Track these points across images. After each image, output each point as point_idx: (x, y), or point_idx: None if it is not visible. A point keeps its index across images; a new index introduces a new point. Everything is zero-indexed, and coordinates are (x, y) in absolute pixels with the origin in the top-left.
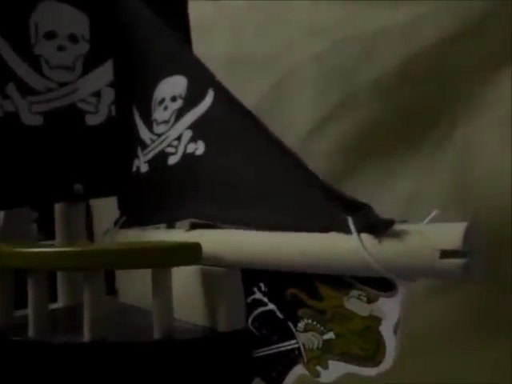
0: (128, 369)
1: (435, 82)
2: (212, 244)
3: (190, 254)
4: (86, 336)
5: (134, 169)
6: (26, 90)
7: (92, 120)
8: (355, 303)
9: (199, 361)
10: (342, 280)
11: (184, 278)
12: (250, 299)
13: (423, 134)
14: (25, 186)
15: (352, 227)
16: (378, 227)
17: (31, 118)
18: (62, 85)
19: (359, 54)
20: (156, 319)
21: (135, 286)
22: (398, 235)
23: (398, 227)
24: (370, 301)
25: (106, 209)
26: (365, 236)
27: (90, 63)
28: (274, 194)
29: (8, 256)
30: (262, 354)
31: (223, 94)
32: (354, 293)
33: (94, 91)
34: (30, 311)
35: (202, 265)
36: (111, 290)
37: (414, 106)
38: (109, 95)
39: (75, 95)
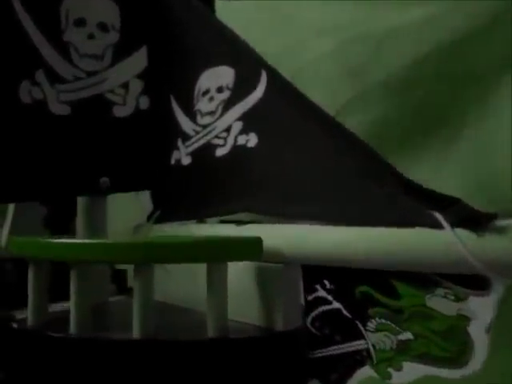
0: (182, 368)
1: (446, 82)
2: (269, 239)
3: (251, 248)
4: (136, 333)
5: (173, 161)
6: (54, 77)
7: (120, 112)
8: (439, 302)
9: (254, 361)
10: (424, 277)
11: (236, 275)
12: (310, 297)
13: (433, 133)
14: (48, 177)
15: (444, 222)
16: (478, 221)
17: (59, 107)
18: (91, 74)
19: (369, 54)
20: (210, 317)
21: (163, 283)
22: (497, 230)
23: (497, 222)
24: (457, 299)
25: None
26: (458, 231)
27: (120, 53)
28: (343, 187)
29: (50, 247)
30: (321, 354)
31: (277, 82)
32: (439, 291)
33: (123, 82)
34: (72, 306)
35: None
36: (123, 289)
37: (425, 105)
38: (137, 87)
39: (103, 85)
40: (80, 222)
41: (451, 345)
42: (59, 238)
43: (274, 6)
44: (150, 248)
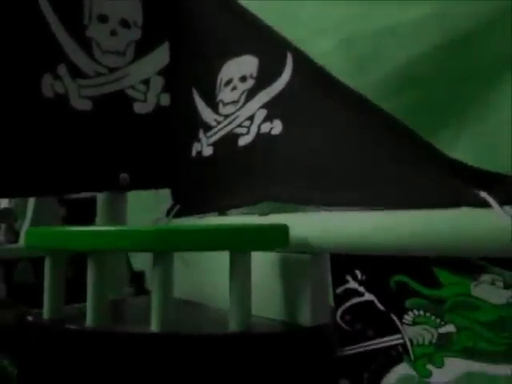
0: (202, 364)
1: (445, 81)
2: (295, 227)
3: (277, 236)
4: (155, 326)
5: (194, 153)
6: (76, 72)
7: (140, 108)
8: (487, 289)
9: (278, 358)
10: (469, 263)
11: (260, 266)
12: (340, 289)
13: (431, 134)
14: (68, 172)
15: (491, 200)
16: None
17: (80, 102)
18: (112, 70)
19: (367, 53)
20: (233, 310)
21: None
22: None
23: None
24: (508, 286)
25: None
26: (508, 209)
27: (141, 49)
28: (379, 170)
29: (67, 236)
30: (352, 351)
31: (303, 65)
32: (486, 277)
33: (144, 79)
34: (89, 298)
35: (283, 251)
36: (141, 290)
37: (423, 105)
38: (158, 84)
39: (125, 81)
40: (100, 218)
41: (501, 337)
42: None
43: (276, 6)
44: (171, 234)
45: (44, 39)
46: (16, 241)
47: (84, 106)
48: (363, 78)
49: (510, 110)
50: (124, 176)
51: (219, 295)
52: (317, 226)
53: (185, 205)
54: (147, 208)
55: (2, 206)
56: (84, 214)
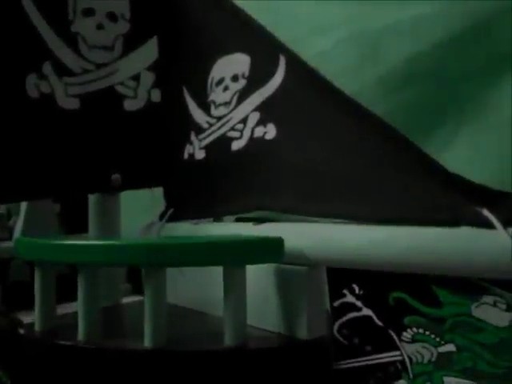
0: (197, 379)
1: (442, 80)
2: (291, 239)
3: (271, 249)
4: (148, 342)
5: (186, 156)
6: (62, 70)
7: (131, 105)
8: (488, 311)
9: (274, 373)
10: (470, 283)
11: (255, 278)
12: (337, 303)
13: (429, 132)
14: (58, 174)
15: (494, 220)
16: None
17: (67, 101)
18: (100, 66)
19: (365, 52)
20: (227, 324)
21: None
22: None
23: None
24: (510, 308)
25: None
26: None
27: (130, 44)
28: (377, 182)
29: (55, 249)
30: (350, 366)
31: (296, 68)
32: (488, 299)
33: (134, 74)
34: (80, 312)
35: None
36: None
37: (420, 104)
38: (148, 79)
39: (113, 78)
40: (92, 220)
41: (501, 360)
42: (67, 239)
43: (273, 5)
44: (162, 250)
45: (26, 36)
46: (10, 238)
47: (71, 104)
48: (362, 76)
49: (509, 108)
50: (116, 176)
51: (217, 303)
52: (314, 237)
53: (178, 209)
54: (145, 208)
55: None
56: (79, 210)
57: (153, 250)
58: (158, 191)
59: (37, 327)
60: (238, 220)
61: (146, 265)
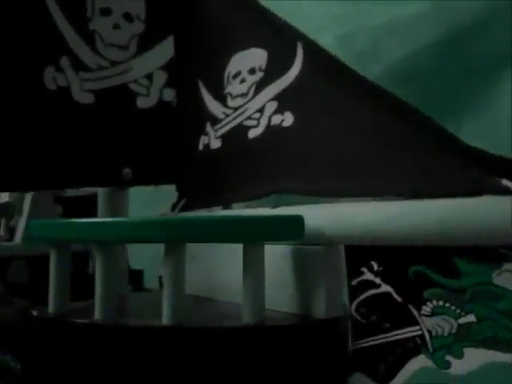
0: (215, 358)
1: (441, 78)
2: (308, 219)
3: (293, 227)
4: (166, 319)
5: (201, 147)
6: (78, 65)
7: (143, 103)
8: (509, 278)
9: (292, 351)
10: (490, 251)
11: (272, 258)
12: (355, 281)
13: None
14: (69, 166)
15: None
16: None
17: (82, 95)
18: (115, 63)
19: (365, 49)
20: (246, 302)
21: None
22: None
23: None
24: None
25: None
26: None
27: (145, 44)
28: (394, 159)
29: (75, 227)
30: (368, 344)
31: (314, 55)
32: (509, 266)
33: (147, 73)
34: (97, 290)
35: (296, 243)
36: (139, 289)
37: (419, 102)
38: (161, 79)
39: (127, 75)
40: (101, 214)
41: None
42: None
43: (271, 4)
44: (184, 224)
45: (47, 31)
46: (10, 239)
47: (86, 99)
48: (361, 73)
49: (509, 107)
50: (127, 171)
51: (229, 289)
52: (330, 217)
53: (191, 198)
54: (149, 203)
55: (2, 200)
56: (81, 212)
57: (173, 225)
58: (164, 188)
59: (50, 309)
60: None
61: (166, 240)
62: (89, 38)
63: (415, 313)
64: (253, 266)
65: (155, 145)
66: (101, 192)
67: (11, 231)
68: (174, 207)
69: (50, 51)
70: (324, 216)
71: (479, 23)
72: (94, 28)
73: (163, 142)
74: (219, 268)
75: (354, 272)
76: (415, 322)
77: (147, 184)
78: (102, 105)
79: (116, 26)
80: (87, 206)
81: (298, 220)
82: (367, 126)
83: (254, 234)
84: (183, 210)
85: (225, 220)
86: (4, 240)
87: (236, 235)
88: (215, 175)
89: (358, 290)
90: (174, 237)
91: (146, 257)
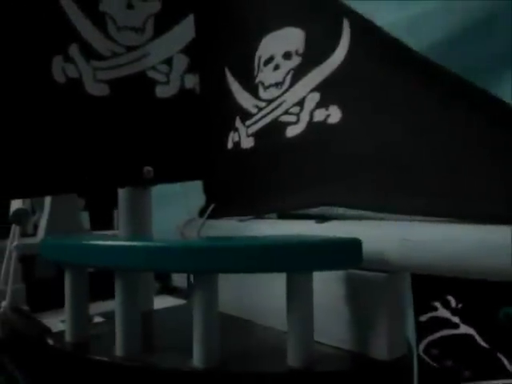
0: None
1: None
2: (367, 240)
3: (346, 253)
4: (198, 360)
5: (231, 145)
6: (90, 52)
7: (163, 92)
8: None
9: None
10: None
11: (323, 285)
12: (425, 317)
13: None
14: (85, 167)
15: None
16: None
17: (96, 86)
18: (130, 49)
19: None
20: (291, 340)
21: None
22: None
23: None
24: None
25: None
26: None
27: (162, 24)
28: (470, 172)
29: (90, 251)
30: None
31: (364, 35)
32: None
33: (166, 58)
34: (118, 322)
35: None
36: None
37: None
38: (181, 63)
39: (145, 62)
40: (122, 216)
41: None
42: (100, 238)
43: None
44: (215, 254)
45: (52, 16)
46: (34, 233)
47: (100, 91)
48: None
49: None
50: (148, 169)
51: (271, 312)
52: (394, 237)
53: (221, 204)
54: (175, 203)
55: (16, 207)
56: (105, 205)
57: (204, 254)
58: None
59: (68, 338)
60: (281, 217)
61: (196, 271)
62: (100, 22)
63: (506, 363)
64: (299, 299)
65: (177, 139)
66: (121, 192)
67: (35, 226)
68: (202, 212)
69: (57, 39)
70: (386, 236)
71: (478, 24)
72: (104, 9)
73: (186, 135)
74: (259, 287)
75: (423, 306)
76: (507, 375)
77: (170, 182)
78: (117, 96)
79: (129, 6)
80: (110, 198)
81: (355, 245)
82: (436, 126)
83: (299, 264)
84: (213, 216)
85: (265, 247)
86: (27, 236)
87: (278, 265)
88: (249, 180)
89: (428, 328)
90: (205, 268)
91: None
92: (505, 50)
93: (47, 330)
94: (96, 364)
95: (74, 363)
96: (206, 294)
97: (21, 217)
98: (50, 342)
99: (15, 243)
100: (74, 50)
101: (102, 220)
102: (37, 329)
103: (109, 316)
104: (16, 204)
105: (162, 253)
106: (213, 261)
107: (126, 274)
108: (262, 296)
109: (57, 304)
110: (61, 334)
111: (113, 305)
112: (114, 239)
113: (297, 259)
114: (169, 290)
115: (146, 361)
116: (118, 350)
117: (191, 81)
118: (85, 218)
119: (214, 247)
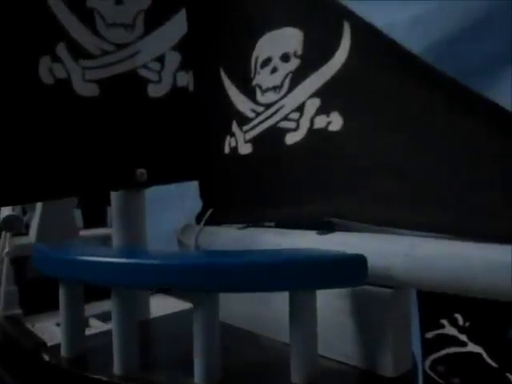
0: None
1: None
2: (371, 254)
3: (352, 270)
4: (199, 377)
5: (228, 150)
6: (78, 51)
7: (155, 91)
8: None
9: None
10: None
11: (326, 299)
12: (431, 334)
13: None
14: (76, 170)
15: None
16: None
17: (85, 86)
18: (120, 47)
19: None
20: (294, 357)
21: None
22: None
23: None
24: None
25: None
26: None
27: (153, 20)
28: (479, 183)
29: (86, 268)
30: None
31: (366, 37)
32: None
33: (158, 55)
34: (115, 339)
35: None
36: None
37: None
38: (173, 61)
39: (136, 60)
40: (115, 220)
41: None
42: (95, 252)
43: None
44: (216, 272)
45: (37, 14)
46: (26, 232)
47: (90, 91)
48: None
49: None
50: (141, 171)
51: (274, 323)
52: (400, 252)
53: (219, 210)
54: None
55: (7, 214)
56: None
57: (205, 273)
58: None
59: (63, 352)
60: (279, 225)
61: (195, 290)
62: (88, 18)
63: None
64: (302, 317)
65: (171, 139)
66: (114, 194)
67: (26, 226)
68: (199, 218)
69: (44, 38)
70: (392, 250)
71: (476, 24)
72: (92, 5)
73: (181, 134)
74: (267, 300)
75: (430, 323)
76: None
77: (164, 183)
78: (108, 96)
79: (118, 2)
80: (103, 196)
81: (360, 262)
82: (442, 134)
83: (305, 283)
84: (211, 222)
85: (267, 266)
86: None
87: (282, 284)
88: (247, 187)
89: (434, 345)
90: (206, 287)
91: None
92: (503, 49)
93: (42, 344)
94: (93, 383)
95: (70, 381)
96: (206, 312)
97: (12, 223)
98: (46, 357)
99: (6, 250)
100: (61, 49)
101: (95, 217)
102: (31, 341)
103: (105, 318)
104: (6, 210)
105: (161, 271)
106: (212, 281)
107: (122, 291)
108: (266, 306)
109: (50, 306)
110: (56, 347)
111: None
112: (111, 253)
113: (300, 278)
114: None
115: (146, 380)
116: (116, 368)
117: (184, 79)
118: (77, 215)
119: (213, 266)
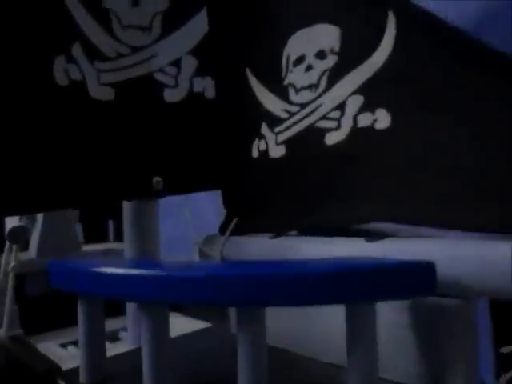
0: None
1: None
2: (436, 260)
3: (420, 280)
4: None
5: (256, 154)
6: (93, 53)
7: (172, 96)
8: None
9: None
10: None
11: (385, 314)
12: (507, 349)
13: None
14: (89, 179)
15: None
16: None
17: (100, 90)
18: (136, 49)
19: None
20: (353, 380)
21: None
22: None
23: None
24: None
25: None
26: None
27: (170, 23)
28: None
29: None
30: None
31: (413, 27)
32: None
33: (174, 59)
34: (145, 364)
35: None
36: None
37: None
38: (190, 65)
39: (152, 63)
40: (127, 231)
41: None
42: (113, 265)
43: None
44: (263, 284)
45: (53, 13)
46: (26, 247)
47: (105, 95)
48: None
49: None
50: (157, 180)
51: (327, 347)
52: (468, 259)
53: (246, 219)
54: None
55: (12, 224)
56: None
57: (250, 285)
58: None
59: (82, 379)
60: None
61: (239, 304)
62: (104, 20)
63: None
64: (361, 333)
65: (189, 146)
66: (127, 205)
67: (25, 241)
68: (223, 229)
69: (59, 37)
70: (457, 258)
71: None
72: (108, 6)
73: (200, 141)
74: (312, 319)
75: (505, 337)
76: None
77: (181, 193)
78: (123, 101)
79: (135, 3)
80: (105, 210)
81: (428, 270)
82: (501, 131)
83: (364, 295)
84: (238, 232)
85: (320, 276)
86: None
87: (336, 297)
88: (279, 192)
89: (510, 362)
90: (252, 301)
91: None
92: (503, 49)
93: (56, 368)
94: None
95: None
96: (252, 330)
97: (19, 235)
98: (62, 383)
99: (12, 264)
100: (76, 49)
101: (96, 231)
102: (43, 365)
103: (113, 338)
104: (12, 221)
105: (197, 285)
106: (258, 293)
107: (155, 308)
108: (317, 325)
109: (51, 325)
110: (73, 372)
111: None
112: (144, 267)
113: (359, 289)
114: (175, 306)
115: None
116: None
117: (200, 84)
118: (78, 229)
119: (258, 277)
